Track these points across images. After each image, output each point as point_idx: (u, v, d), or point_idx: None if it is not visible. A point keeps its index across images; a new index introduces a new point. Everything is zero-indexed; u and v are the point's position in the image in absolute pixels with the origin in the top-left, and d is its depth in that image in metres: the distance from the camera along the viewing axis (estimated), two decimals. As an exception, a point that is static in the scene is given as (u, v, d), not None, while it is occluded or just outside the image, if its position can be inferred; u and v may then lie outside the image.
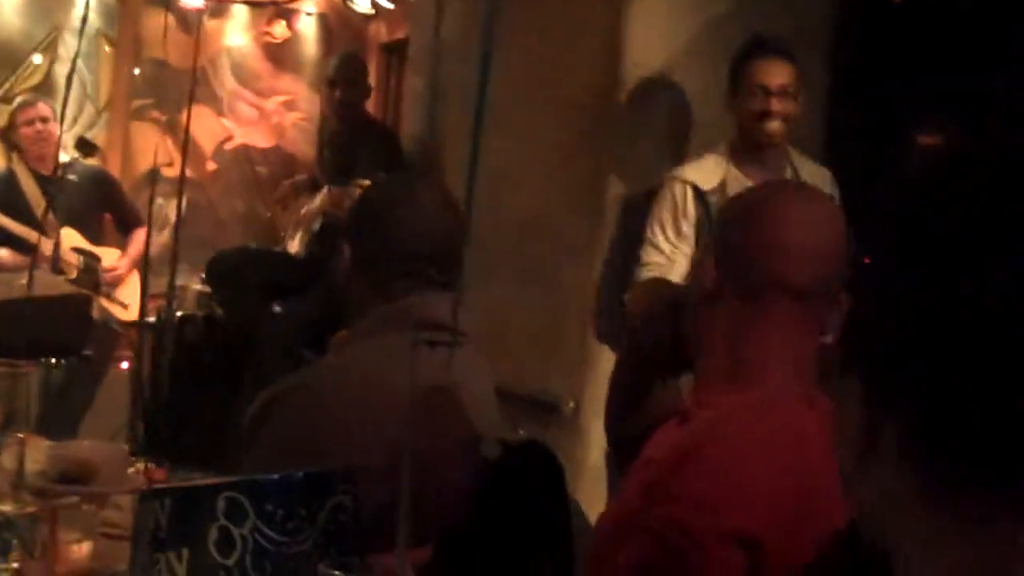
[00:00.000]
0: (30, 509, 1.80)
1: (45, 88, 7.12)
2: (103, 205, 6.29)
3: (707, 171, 4.00)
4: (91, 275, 6.06)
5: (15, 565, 1.67)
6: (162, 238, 7.34)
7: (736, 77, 4.03)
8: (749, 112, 3.96)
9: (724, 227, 2.00)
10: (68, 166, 5.99)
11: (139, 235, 6.22)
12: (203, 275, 5.88)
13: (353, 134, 5.90)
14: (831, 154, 4.96)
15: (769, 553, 1.67)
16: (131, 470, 2.53)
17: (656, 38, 4.58)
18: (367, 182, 5.36)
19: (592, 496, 3.53)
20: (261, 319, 5.39)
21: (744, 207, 2.03)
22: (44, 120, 6.10)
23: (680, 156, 4.33)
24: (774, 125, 3.97)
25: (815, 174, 4.06)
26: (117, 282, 6.13)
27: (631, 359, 2.49)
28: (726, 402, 1.83)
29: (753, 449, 1.71)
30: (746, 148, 4.02)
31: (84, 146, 6.07)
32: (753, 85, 3.97)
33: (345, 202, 5.39)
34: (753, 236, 1.89)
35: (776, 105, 3.97)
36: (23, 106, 6.18)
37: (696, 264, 2.00)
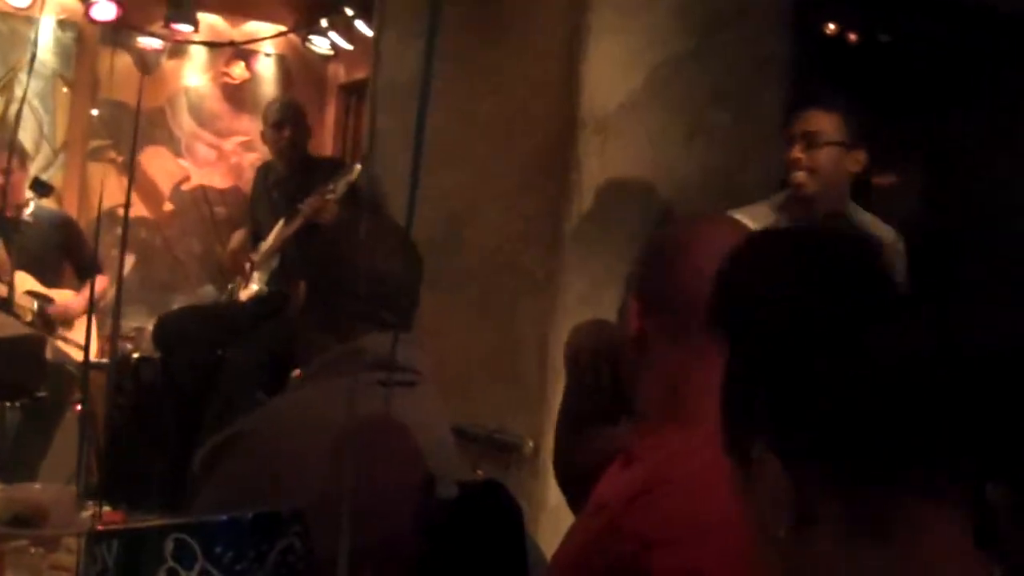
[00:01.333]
0: (-24, 553, 1.77)
1: (1, 128, 7.08)
2: (64, 251, 6.26)
3: (753, 218, 3.96)
4: (46, 319, 6.02)
5: (-40, 610, 1.64)
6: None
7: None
8: (783, 161, 3.96)
9: (644, 267, 1.98)
10: (27, 209, 5.95)
11: (99, 281, 6.18)
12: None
13: (302, 172, 5.92)
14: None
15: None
16: (86, 513, 2.51)
17: (615, 76, 4.59)
18: (338, 186, 5.39)
19: (552, 537, 3.51)
20: (212, 369, 5.36)
21: (662, 244, 2.02)
22: (12, 171, 6.06)
23: (640, 193, 4.33)
24: (799, 176, 3.87)
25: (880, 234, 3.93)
26: (69, 322, 6.08)
27: (571, 402, 2.49)
28: (669, 442, 1.82)
29: (701, 488, 1.70)
30: (795, 200, 3.95)
31: (40, 187, 6.04)
32: (787, 134, 3.95)
33: (324, 208, 5.41)
34: (675, 268, 1.88)
35: (798, 153, 3.87)
36: None
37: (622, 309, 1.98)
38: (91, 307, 3.93)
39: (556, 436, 2.66)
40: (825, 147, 3.83)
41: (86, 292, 6.13)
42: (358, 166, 5.67)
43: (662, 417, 1.87)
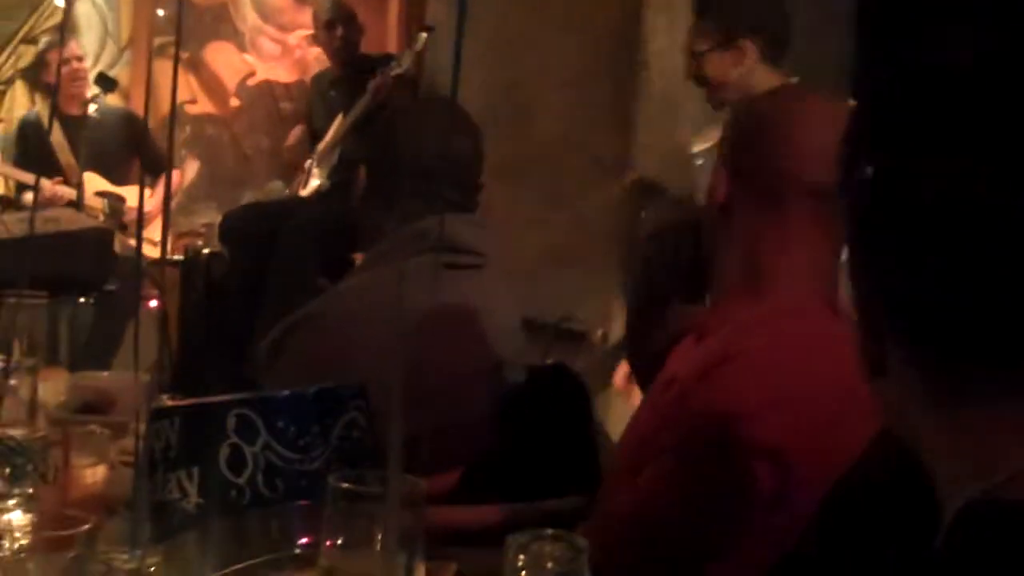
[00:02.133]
0: (42, 434, 1.77)
1: (66, 28, 7.08)
2: (130, 147, 6.27)
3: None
4: (117, 217, 6.05)
5: (30, 490, 1.64)
6: (187, 178, 7.34)
7: None
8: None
9: (735, 133, 1.94)
10: (93, 104, 5.95)
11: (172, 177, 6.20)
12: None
13: (357, 71, 5.87)
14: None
15: (798, 466, 1.63)
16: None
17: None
18: (403, 58, 5.36)
19: (621, 423, 3.50)
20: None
21: (755, 110, 1.98)
22: (79, 59, 6.09)
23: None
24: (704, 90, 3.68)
25: None
26: (146, 222, 6.11)
27: (647, 283, 2.46)
28: (746, 315, 1.78)
29: (777, 360, 1.67)
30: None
31: (104, 82, 6.04)
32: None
33: (388, 85, 5.39)
34: (767, 136, 1.84)
35: (692, 69, 3.66)
36: (56, 44, 6.15)
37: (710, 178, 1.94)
38: (167, 203, 3.92)
39: (629, 315, 2.63)
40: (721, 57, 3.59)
41: (159, 193, 6.15)
42: (423, 35, 5.59)
43: (739, 290, 1.83)
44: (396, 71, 5.46)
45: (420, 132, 2.48)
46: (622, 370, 3.69)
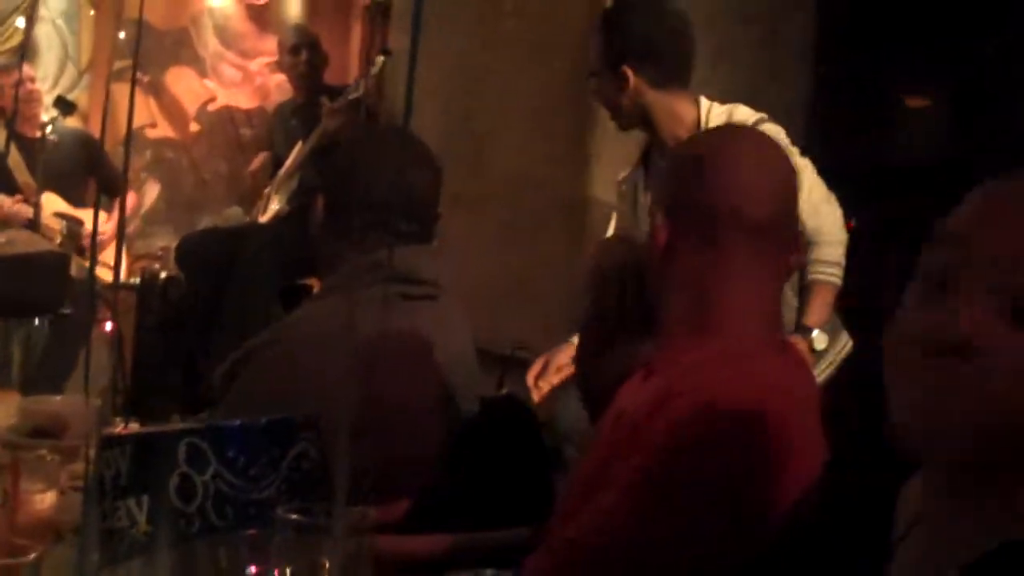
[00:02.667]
0: (-9, 459, 1.78)
1: (27, 50, 7.06)
2: (87, 169, 6.27)
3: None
4: (74, 240, 6.03)
5: (-23, 514, 1.65)
6: (147, 202, 7.33)
7: None
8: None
9: (671, 174, 1.97)
10: (49, 126, 5.95)
11: (128, 200, 6.19)
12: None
13: (319, 102, 5.89)
14: (818, 114, 4.94)
15: (744, 503, 1.66)
16: (116, 429, 2.51)
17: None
18: (361, 84, 5.37)
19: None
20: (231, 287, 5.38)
21: (692, 150, 2.01)
22: (32, 80, 6.09)
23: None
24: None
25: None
26: (102, 246, 6.10)
27: (595, 320, 2.48)
28: (692, 354, 1.81)
29: (722, 399, 1.69)
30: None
31: (63, 105, 6.03)
32: None
33: (339, 114, 5.39)
34: (703, 175, 1.86)
35: (593, 90, 3.60)
36: (7, 67, 6.16)
37: (649, 221, 1.97)
38: (121, 226, 3.93)
39: (578, 353, 2.65)
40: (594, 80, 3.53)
41: (116, 216, 6.15)
42: (380, 58, 5.62)
43: (684, 330, 1.86)
44: (353, 95, 5.48)
45: (377, 163, 2.50)
46: (534, 370, 3.69)
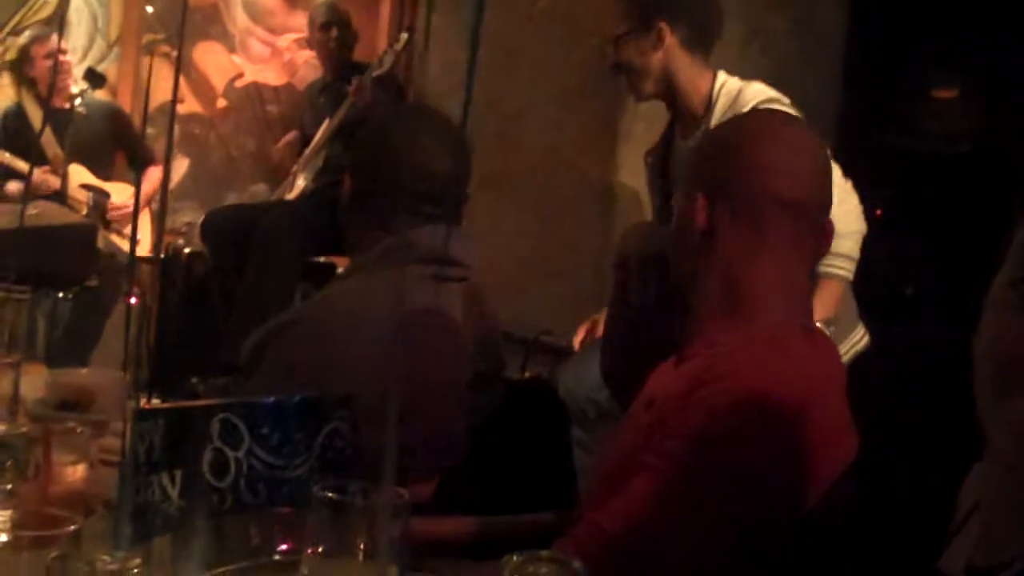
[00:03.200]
0: (24, 430, 1.78)
1: (55, 20, 7.06)
2: (115, 142, 6.28)
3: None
4: (100, 211, 6.05)
5: (9, 486, 1.65)
6: (174, 177, 7.34)
7: None
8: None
9: (715, 156, 1.97)
10: (79, 99, 5.95)
11: (152, 172, 6.20)
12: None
13: (348, 78, 5.88)
14: (846, 100, 4.93)
15: (775, 490, 1.65)
16: (141, 403, 2.51)
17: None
18: (384, 59, 5.36)
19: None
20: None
21: (731, 135, 2.01)
22: (63, 52, 6.10)
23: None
24: (624, 79, 3.57)
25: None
26: (126, 219, 6.11)
27: (621, 306, 2.48)
28: (725, 339, 1.81)
29: (756, 389, 1.69)
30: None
31: (93, 77, 6.04)
32: None
33: (365, 89, 5.38)
34: (748, 160, 1.88)
35: (613, 55, 3.53)
36: (40, 38, 6.16)
37: (681, 204, 1.97)
38: (137, 197, 3.93)
39: (604, 340, 2.65)
40: (638, 45, 3.46)
41: (144, 188, 6.16)
42: (404, 35, 5.62)
43: (719, 313, 1.87)
44: (378, 71, 5.47)
45: (406, 144, 2.49)
46: (581, 332, 3.68)
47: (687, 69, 3.40)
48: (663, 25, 3.37)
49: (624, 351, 2.52)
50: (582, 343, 3.65)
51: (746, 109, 3.24)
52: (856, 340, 3.43)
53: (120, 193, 6.15)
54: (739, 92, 3.33)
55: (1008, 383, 1.17)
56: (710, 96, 3.36)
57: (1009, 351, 1.14)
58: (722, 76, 3.40)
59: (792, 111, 3.20)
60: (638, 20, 3.43)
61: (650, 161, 3.67)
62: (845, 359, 3.28)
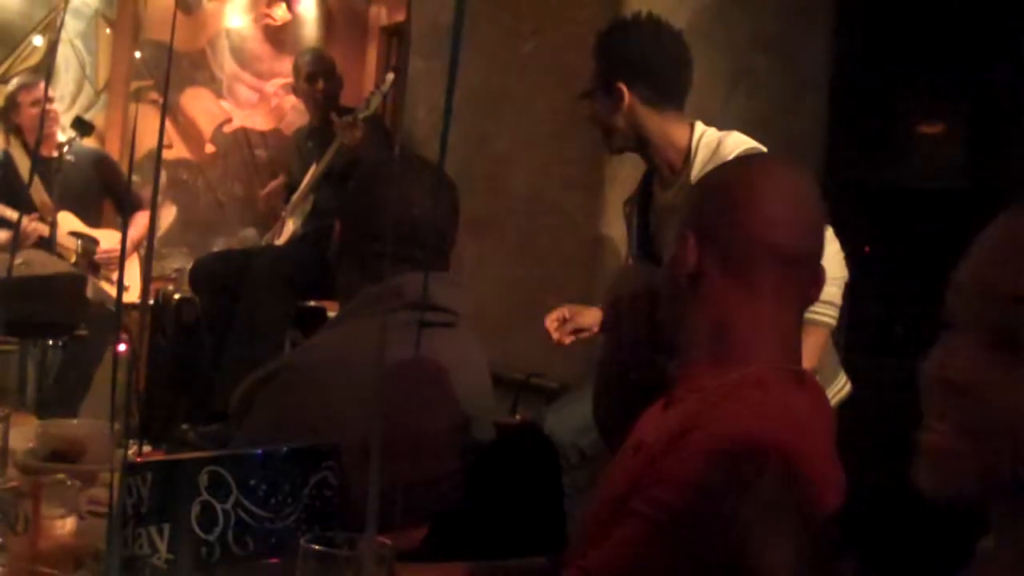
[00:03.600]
0: (13, 483, 1.78)
1: (43, 69, 7.08)
2: (103, 189, 6.29)
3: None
4: (89, 259, 6.05)
5: (-2, 540, 1.65)
6: (162, 223, 7.35)
7: None
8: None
9: (707, 199, 1.97)
10: (67, 147, 5.96)
11: (139, 218, 6.21)
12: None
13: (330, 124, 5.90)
14: (832, 138, 4.95)
15: (761, 541, 1.65)
16: (129, 452, 2.52)
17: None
18: (370, 101, 5.38)
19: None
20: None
21: (728, 177, 2.01)
22: (50, 100, 6.12)
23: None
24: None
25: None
26: (115, 264, 6.12)
27: (613, 348, 2.48)
28: (712, 384, 1.81)
29: (743, 431, 1.69)
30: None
31: (81, 126, 6.05)
32: None
33: (353, 131, 5.38)
34: (743, 204, 1.87)
35: (589, 111, 3.60)
36: (27, 86, 6.18)
37: (672, 246, 1.98)
38: (124, 243, 3.93)
39: (596, 382, 2.65)
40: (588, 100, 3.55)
41: (132, 234, 6.17)
42: (390, 76, 5.64)
43: (706, 357, 1.87)
44: (364, 114, 5.48)
45: (397, 193, 2.50)
46: (554, 315, 3.70)
47: (656, 125, 3.43)
48: (621, 86, 3.41)
49: (617, 395, 2.52)
50: (556, 326, 3.67)
51: (729, 158, 3.26)
52: (839, 387, 3.43)
53: (108, 239, 6.17)
54: (719, 143, 3.35)
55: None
56: (688, 148, 3.38)
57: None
58: (700, 127, 3.42)
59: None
60: (599, 81, 3.49)
61: (628, 211, 3.70)
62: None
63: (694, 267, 1.88)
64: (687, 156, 3.38)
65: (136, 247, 6.21)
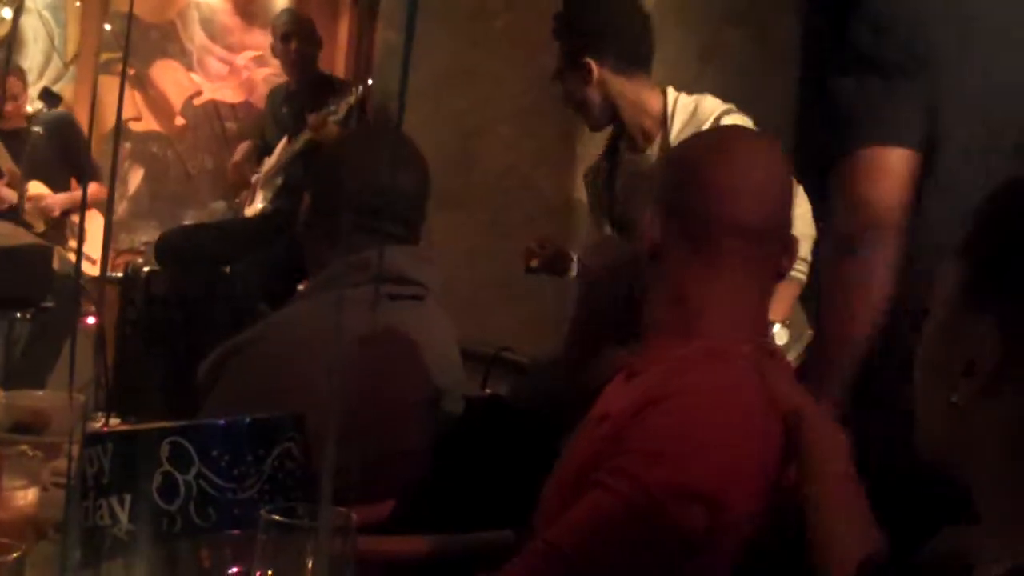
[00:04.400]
0: (-26, 454, 1.77)
1: (12, 40, 7.02)
2: (65, 152, 6.18)
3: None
4: (59, 229, 6.01)
5: (-42, 511, 1.63)
6: (131, 187, 7.31)
7: None
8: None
9: (669, 175, 1.97)
10: (34, 118, 5.92)
11: (94, 187, 6.14)
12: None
13: (311, 88, 5.86)
14: (804, 110, 4.94)
15: (723, 508, 1.65)
16: (97, 424, 2.50)
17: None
18: (340, 107, 5.35)
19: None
20: (214, 284, 5.37)
21: (690, 151, 2.01)
22: (15, 98, 6.00)
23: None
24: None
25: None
26: (47, 218, 6.02)
27: (581, 320, 2.47)
28: (675, 355, 1.80)
29: (703, 403, 1.69)
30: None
31: (49, 97, 6.01)
32: None
33: (325, 127, 5.35)
34: (699, 178, 1.87)
35: (562, 93, 3.65)
36: None
37: (640, 220, 1.98)
38: (109, 217, 3.92)
39: (563, 353, 2.64)
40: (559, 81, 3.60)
41: (71, 194, 6.10)
42: (359, 88, 5.62)
43: (668, 330, 1.87)
44: (334, 118, 5.43)
45: (365, 164, 2.49)
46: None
47: (629, 92, 3.47)
48: (588, 60, 3.43)
49: (585, 367, 2.51)
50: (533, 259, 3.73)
51: (708, 122, 3.29)
52: (807, 342, 3.45)
53: (39, 189, 6.07)
54: (696, 107, 3.37)
55: None
56: (664, 113, 3.40)
57: None
58: (672, 92, 3.46)
59: (744, 118, 3.25)
60: (566, 58, 3.53)
61: (590, 179, 3.72)
62: (800, 358, 3.32)
63: (657, 240, 1.87)
64: (663, 121, 3.40)
65: (64, 205, 6.10)
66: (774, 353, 1.91)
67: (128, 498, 1.46)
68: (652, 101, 3.45)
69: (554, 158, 4.76)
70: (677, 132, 3.34)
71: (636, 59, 3.48)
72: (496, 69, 5.10)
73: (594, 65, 3.43)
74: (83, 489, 1.44)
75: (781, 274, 1.93)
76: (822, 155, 2.22)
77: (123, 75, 1.20)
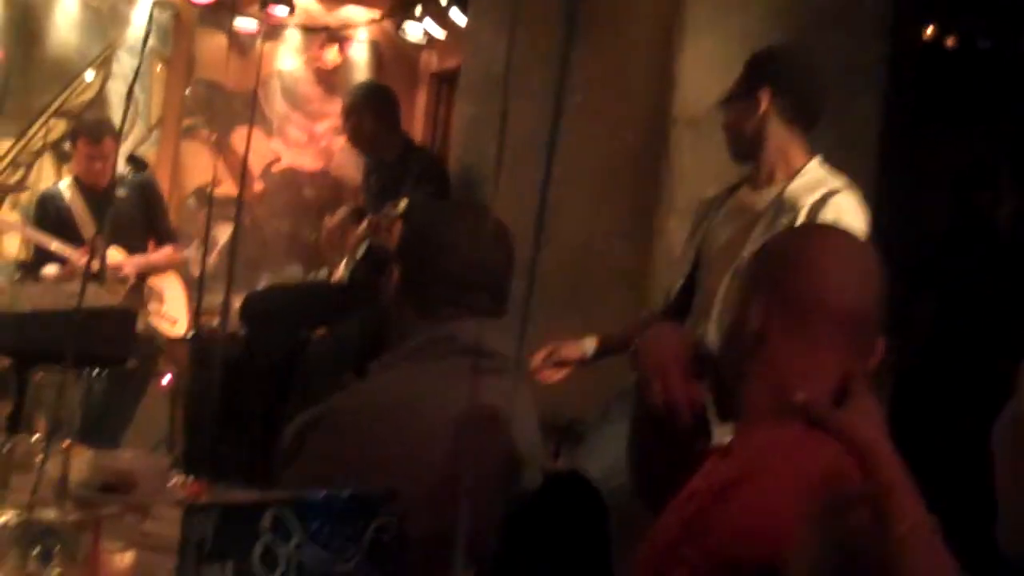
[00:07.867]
0: (73, 517, 1.80)
1: (98, 104, 7.18)
2: (143, 214, 6.22)
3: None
4: (139, 295, 6.08)
5: (57, 571, 1.67)
6: (220, 240, 7.40)
7: None
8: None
9: (773, 262, 2.01)
10: (119, 181, 6.00)
11: (164, 249, 6.21)
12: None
13: (397, 161, 5.90)
14: (881, 198, 4.96)
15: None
16: (171, 483, 2.55)
17: (709, 74, 4.57)
18: (403, 204, 5.36)
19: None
20: (298, 348, 5.40)
21: (793, 246, 2.06)
22: (105, 158, 5.99)
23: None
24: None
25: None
26: (124, 278, 6.06)
27: (644, 419, 2.39)
28: (766, 437, 1.83)
29: (791, 484, 1.71)
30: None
31: (135, 163, 6.09)
32: None
33: (384, 228, 5.37)
34: (809, 266, 1.94)
35: (723, 120, 3.69)
36: (91, 140, 6.03)
37: (736, 308, 2.01)
38: (202, 280, 3.98)
39: (628, 448, 2.62)
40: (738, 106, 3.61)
41: (150, 257, 6.16)
42: (403, 202, 5.54)
43: (767, 416, 1.88)
44: (394, 215, 5.39)
45: (453, 237, 2.53)
46: (540, 355, 3.74)
47: (781, 138, 3.52)
48: (762, 94, 3.49)
49: (652, 461, 2.49)
50: (538, 368, 3.73)
51: (821, 190, 3.34)
52: None
53: (116, 256, 6.11)
54: (826, 176, 3.43)
55: None
56: (798, 171, 3.45)
57: None
58: (818, 160, 3.51)
59: (857, 197, 3.31)
60: (743, 85, 3.58)
61: (701, 209, 3.74)
62: None
63: (759, 328, 1.90)
64: (794, 173, 3.45)
65: (139, 268, 6.14)
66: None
67: (230, 566, 1.49)
68: (796, 157, 3.50)
69: (631, 232, 4.79)
70: (795, 189, 3.40)
71: (803, 112, 3.53)
72: (575, 142, 5.14)
73: (765, 99, 3.49)
74: (184, 556, 1.47)
75: (867, 373, 1.95)
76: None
77: (250, 138, 1.25)
